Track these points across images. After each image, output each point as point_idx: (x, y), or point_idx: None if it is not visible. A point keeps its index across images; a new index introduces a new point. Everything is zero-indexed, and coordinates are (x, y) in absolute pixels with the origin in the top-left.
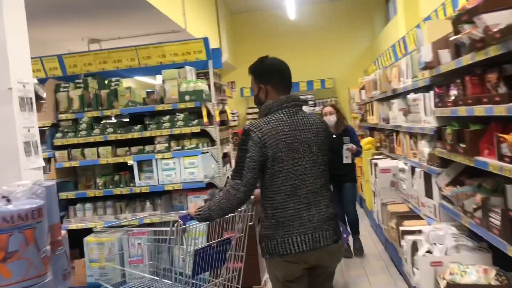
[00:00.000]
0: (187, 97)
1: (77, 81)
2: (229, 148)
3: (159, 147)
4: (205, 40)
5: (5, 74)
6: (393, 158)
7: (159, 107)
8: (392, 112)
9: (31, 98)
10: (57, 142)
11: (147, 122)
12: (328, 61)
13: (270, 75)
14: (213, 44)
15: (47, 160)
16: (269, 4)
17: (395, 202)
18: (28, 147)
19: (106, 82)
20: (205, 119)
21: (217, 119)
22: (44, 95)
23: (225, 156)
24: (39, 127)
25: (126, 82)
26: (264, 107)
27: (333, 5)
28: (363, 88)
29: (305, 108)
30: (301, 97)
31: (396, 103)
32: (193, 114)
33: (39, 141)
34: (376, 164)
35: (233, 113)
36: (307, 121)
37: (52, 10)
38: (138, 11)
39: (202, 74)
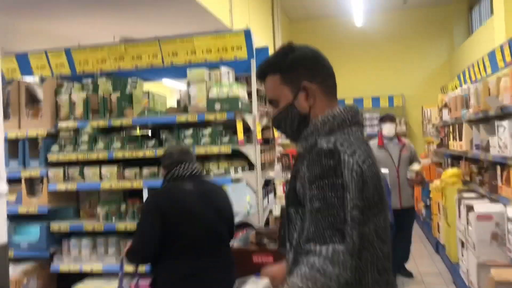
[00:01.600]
0: (217, 106)
1: (84, 81)
2: (275, 172)
3: None
4: (247, 33)
5: None
6: (494, 200)
7: (181, 118)
8: (498, 138)
9: None
10: (52, 157)
11: (164, 137)
12: (398, 76)
13: (316, 67)
14: (269, 53)
15: (40, 180)
16: (333, 11)
17: (498, 263)
18: None
19: (122, 84)
20: (240, 136)
21: (259, 136)
22: (42, 97)
23: (267, 184)
24: (33, 138)
25: (151, 87)
26: (332, 118)
27: (406, 13)
28: (444, 106)
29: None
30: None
31: (507, 126)
32: (227, 129)
33: (1, 157)
34: (470, 207)
35: None
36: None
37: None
38: (179, 6)
39: (244, 80)
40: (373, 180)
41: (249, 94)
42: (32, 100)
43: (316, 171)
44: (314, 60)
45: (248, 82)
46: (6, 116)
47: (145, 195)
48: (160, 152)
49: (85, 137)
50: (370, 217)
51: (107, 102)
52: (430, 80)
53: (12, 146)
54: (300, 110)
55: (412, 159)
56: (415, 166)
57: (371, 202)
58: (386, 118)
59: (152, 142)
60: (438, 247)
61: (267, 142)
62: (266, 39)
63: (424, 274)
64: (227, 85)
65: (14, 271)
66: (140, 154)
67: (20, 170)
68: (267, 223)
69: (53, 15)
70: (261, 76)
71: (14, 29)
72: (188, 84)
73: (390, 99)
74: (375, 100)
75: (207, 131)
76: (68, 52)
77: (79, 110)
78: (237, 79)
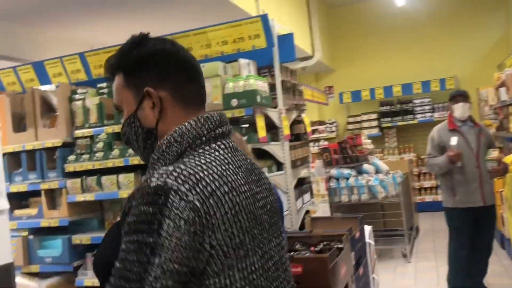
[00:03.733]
0: (234, 102)
1: (99, 85)
2: (315, 169)
3: None
4: (264, 19)
5: None
6: None
7: None
8: None
9: None
10: (69, 167)
11: None
12: (448, 57)
13: (168, 69)
14: (304, 42)
15: (59, 192)
16: None
17: None
18: None
19: None
20: (261, 133)
21: (286, 132)
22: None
23: (301, 183)
24: (49, 147)
25: None
26: (178, 137)
27: None
28: (501, 85)
29: None
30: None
31: None
32: (251, 126)
33: (1, 171)
34: None
35: (330, 123)
36: (253, 165)
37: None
38: (199, 1)
39: (267, 71)
40: (228, 219)
41: (274, 87)
42: (49, 108)
43: (130, 220)
44: (166, 59)
45: (271, 73)
46: (22, 127)
47: None
48: None
49: (100, 144)
50: (231, 263)
51: None
52: (485, 58)
53: (30, 158)
54: (144, 124)
55: (490, 145)
56: (494, 153)
57: (228, 246)
58: (458, 96)
59: None
60: (503, 242)
61: (298, 137)
62: (301, 28)
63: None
64: (243, 77)
65: (40, 287)
66: None
67: (40, 183)
68: (302, 226)
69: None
70: (110, 75)
71: (28, 36)
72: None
73: (442, 82)
74: (425, 85)
75: None
76: (82, 57)
77: (93, 116)
78: (259, 71)
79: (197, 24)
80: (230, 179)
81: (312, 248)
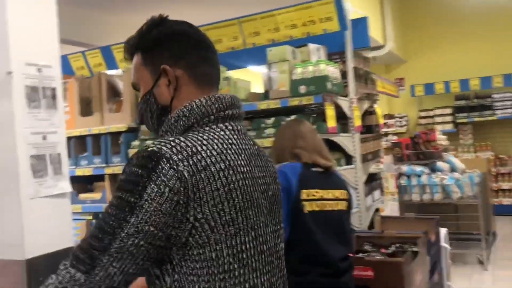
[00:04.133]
0: (302, 89)
1: None
2: (384, 164)
3: None
4: (337, 1)
5: (2, 51)
6: None
7: (262, 105)
8: None
9: (53, 89)
10: (132, 152)
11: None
12: None
13: (185, 47)
14: (375, 30)
15: None
16: None
17: None
18: (39, 164)
19: None
20: (330, 123)
21: (357, 123)
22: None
23: (371, 179)
24: (114, 132)
25: (236, 75)
26: (187, 112)
27: None
28: None
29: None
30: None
31: None
32: (318, 115)
33: (64, 154)
34: None
35: (400, 117)
36: (259, 151)
37: None
38: None
39: (338, 58)
40: (218, 193)
41: (345, 74)
42: (115, 93)
43: (121, 177)
44: (184, 38)
45: (342, 59)
46: (88, 112)
47: None
48: None
49: None
50: (217, 237)
51: None
52: None
53: (95, 142)
54: (160, 100)
55: None
56: None
57: (215, 220)
58: None
59: None
60: None
61: (370, 130)
62: (372, 16)
63: None
64: (312, 63)
65: None
66: None
67: (104, 167)
68: (371, 225)
69: (136, 6)
70: (128, 55)
71: (98, 22)
72: (269, 66)
73: None
74: (507, 78)
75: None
76: None
77: None
78: (330, 57)
79: (264, 7)
80: (229, 158)
81: (382, 250)
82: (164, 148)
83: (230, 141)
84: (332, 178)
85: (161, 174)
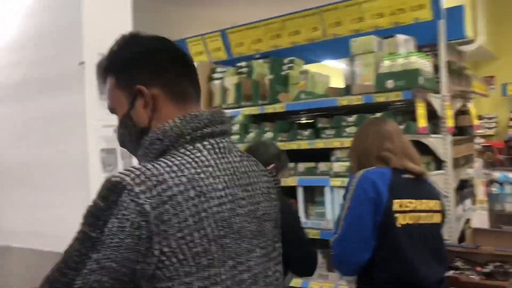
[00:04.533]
0: (389, 83)
1: (238, 64)
2: (474, 170)
3: (337, 166)
4: None
5: (74, 41)
6: None
7: (343, 101)
8: None
9: None
10: None
11: (320, 126)
12: None
13: (160, 65)
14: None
15: None
16: None
17: None
18: (110, 158)
19: (277, 65)
20: (421, 122)
21: (450, 123)
22: None
23: (462, 186)
24: None
25: (313, 68)
26: (161, 135)
27: None
28: None
29: None
30: None
31: None
32: (406, 113)
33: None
34: None
35: (488, 118)
36: (248, 166)
37: None
38: None
39: (428, 51)
40: (187, 223)
41: (437, 69)
42: None
43: (87, 207)
44: (158, 55)
45: (433, 52)
46: None
47: (299, 195)
48: (318, 143)
49: (236, 127)
50: (185, 271)
51: (259, 86)
52: None
53: None
54: (138, 123)
55: None
56: None
57: (188, 251)
58: None
59: (307, 132)
60: None
61: (462, 131)
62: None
63: None
64: (402, 54)
65: None
66: (293, 146)
67: None
68: (461, 238)
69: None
70: (101, 78)
71: (173, 16)
72: (352, 58)
73: None
74: None
75: (376, 117)
76: (224, 34)
77: (231, 96)
78: (419, 50)
79: None
80: (202, 183)
81: (478, 269)
82: (126, 178)
83: (206, 163)
84: (425, 186)
85: (122, 208)
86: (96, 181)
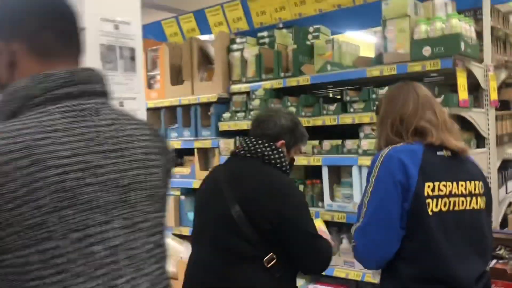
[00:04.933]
0: (426, 50)
1: (259, 34)
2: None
3: (366, 144)
4: None
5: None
6: None
7: (373, 71)
8: None
9: (131, 50)
10: (223, 125)
11: (348, 99)
12: None
13: (19, 16)
14: None
15: (212, 152)
16: None
17: None
18: None
19: (301, 34)
20: (462, 94)
21: (493, 96)
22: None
23: (506, 166)
24: (204, 102)
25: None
26: (9, 96)
27: None
28: None
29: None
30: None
31: None
32: (442, 85)
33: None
34: None
35: None
36: (123, 131)
37: None
38: None
39: (470, 15)
40: (33, 189)
41: (479, 36)
42: (207, 60)
43: None
44: (19, 5)
45: (476, 17)
46: (180, 81)
47: (324, 176)
48: (345, 119)
49: (256, 102)
50: (29, 244)
51: (282, 57)
52: None
53: (185, 113)
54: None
55: None
56: None
57: (22, 223)
58: None
59: (333, 107)
60: None
61: (506, 106)
62: None
63: None
64: (441, 18)
65: (188, 252)
66: (318, 122)
67: (193, 140)
68: (503, 223)
69: None
70: None
71: None
72: (384, 23)
73: None
74: None
75: None
76: (244, 3)
77: (251, 69)
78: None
79: None
80: (40, 151)
81: None
82: None
83: (53, 127)
84: (464, 165)
85: None
86: None
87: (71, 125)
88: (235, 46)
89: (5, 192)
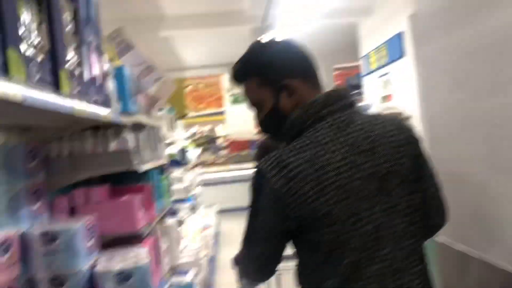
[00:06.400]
0: None
1: None
2: None
3: None
4: None
5: None
6: None
7: None
8: None
9: None
10: None
11: None
12: None
13: (292, 61)
14: None
15: None
16: None
17: None
18: None
19: None
20: None
21: None
22: None
23: None
24: None
25: None
26: (290, 123)
27: None
28: None
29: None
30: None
31: None
32: None
33: None
34: None
35: None
36: (372, 131)
37: None
38: None
39: None
40: (310, 194)
41: None
42: None
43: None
44: (290, 53)
45: None
46: None
47: None
48: None
49: None
50: (318, 227)
51: None
52: None
53: None
54: (282, 111)
55: None
56: None
57: (313, 215)
58: None
59: None
60: None
61: None
62: None
63: None
64: None
65: None
66: None
67: None
68: None
69: None
70: (238, 81)
71: None
72: None
73: None
74: None
75: None
76: None
77: None
78: None
79: None
80: (320, 160)
81: None
82: (263, 166)
83: (325, 140)
84: None
85: (263, 188)
86: None
87: (335, 135)
88: None
89: (301, 193)
